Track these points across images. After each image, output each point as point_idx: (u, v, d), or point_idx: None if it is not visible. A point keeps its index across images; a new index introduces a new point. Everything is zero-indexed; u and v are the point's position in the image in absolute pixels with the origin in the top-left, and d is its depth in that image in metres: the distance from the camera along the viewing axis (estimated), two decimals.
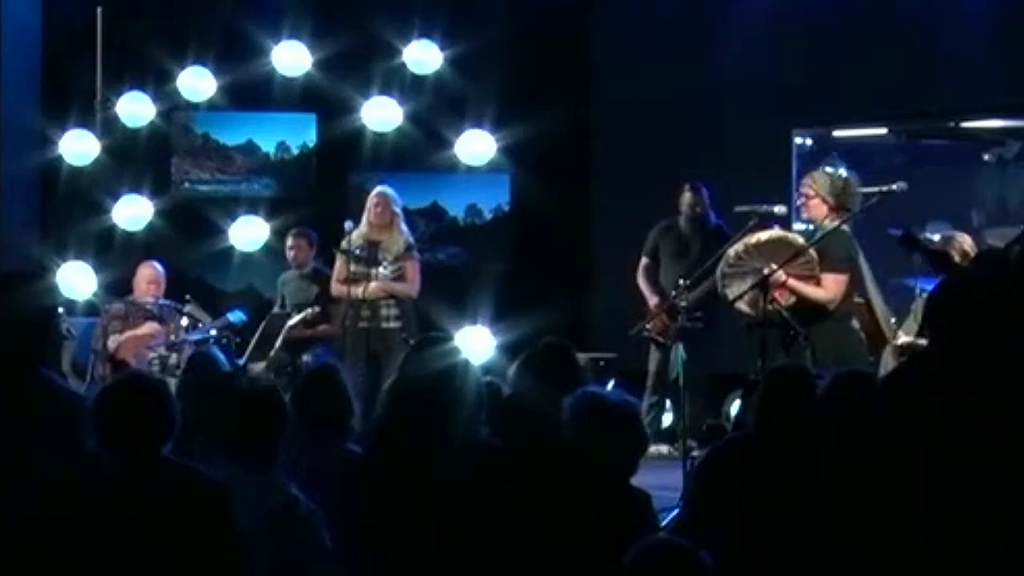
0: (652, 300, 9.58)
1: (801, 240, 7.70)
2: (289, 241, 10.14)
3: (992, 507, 3.99)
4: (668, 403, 9.60)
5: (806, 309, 7.54)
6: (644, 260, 9.74)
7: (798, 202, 7.98)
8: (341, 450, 5.15)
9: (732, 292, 7.62)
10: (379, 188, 9.67)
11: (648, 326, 9.44)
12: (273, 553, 4.37)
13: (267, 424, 4.55)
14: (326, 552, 4.50)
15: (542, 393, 4.69)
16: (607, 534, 4.00)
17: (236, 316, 9.60)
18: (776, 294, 7.49)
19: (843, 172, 7.85)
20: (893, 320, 8.08)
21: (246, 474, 4.44)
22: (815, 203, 7.77)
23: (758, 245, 7.61)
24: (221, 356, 6.62)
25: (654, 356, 9.57)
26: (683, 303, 8.93)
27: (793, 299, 7.55)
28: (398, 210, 9.59)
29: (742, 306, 7.60)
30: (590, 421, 4.54)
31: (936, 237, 8.14)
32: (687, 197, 9.67)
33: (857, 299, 7.95)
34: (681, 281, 9.24)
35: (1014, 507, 3.99)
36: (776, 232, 7.76)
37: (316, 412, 5.27)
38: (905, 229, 7.04)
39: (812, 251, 7.54)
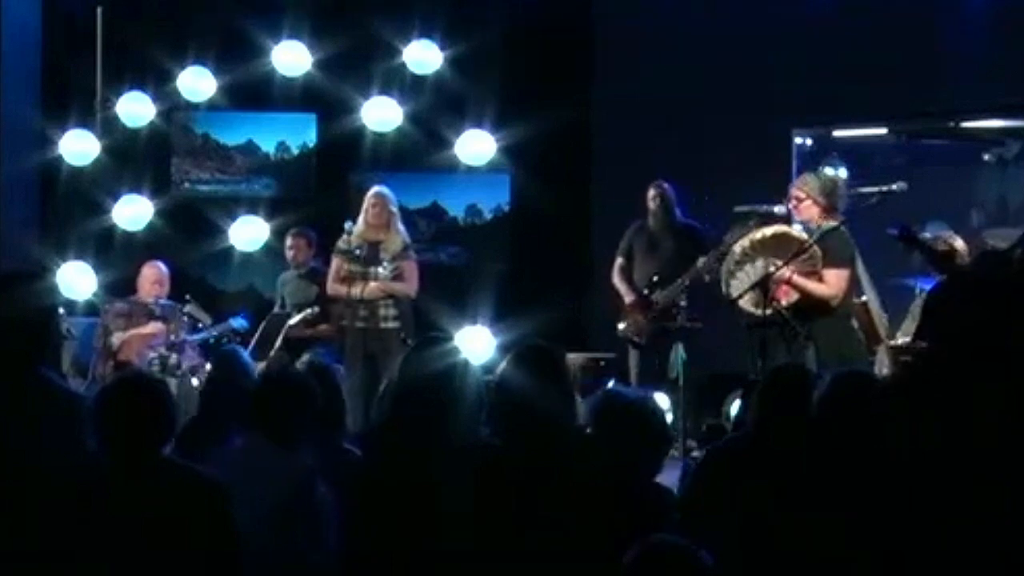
0: (628, 298, 9.60)
1: (806, 236, 7.70)
2: (288, 241, 10.15)
3: (993, 506, 3.98)
4: (667, 402, 9.58)
5: (808, 307, 7.55)
6: (619, 260, 9.76)
7: (789, 205, 7.97)
8: (336, 449, 5.16)
9: (735, 289, 7.62)
10: (376, 188, 9.67)
11: (621, 326, 9.48)
12: (288, 522, 4.47)
13: (292, 400, 4.85)
14: (327, 542, 4.58)
15: (530, 389, 4.68)
16: (633, 532, 3.98)
17: (239, 322, 9.63)
18: (779, 292, 7.50)
19: (837, 172, 7.86)
20: (885, 320, 8.10)
21: (271, 446, 4.68)
22: (806, 205, 7.80)
23: (763, 241, 7.62)
24: (244, 352, 6.69)
25: (633, 355, 9.58)
26: (683, 302, 8.95)
27: (796, 296, 7.55)
28: (395, 210, 9.59)
29: (746, 305, 7.60)
30: (613, 420, 4.54)
31: (929, 236, 8.14)
32: (649, 193, 9.69)
33: (855, 299, 7.97)
34: (656, 279, 9.30)
35: (1015, 506, 3.99)
36: (780, 228, 7.78)
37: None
38: (903, 226, 7.05)
39: (816, 247, 7.54)
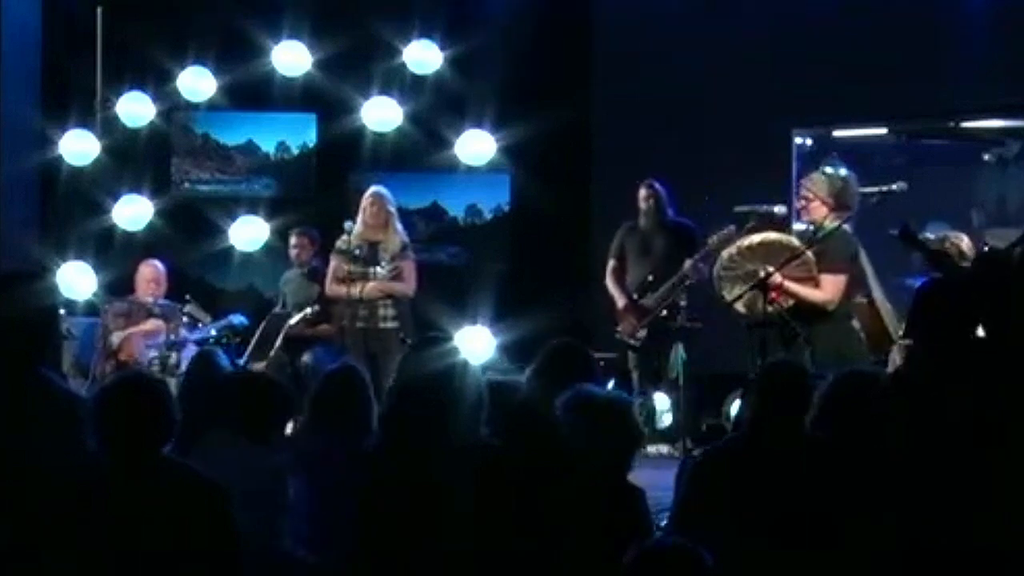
0: (620, 302, 9.59)
1: (796, 242, 7.68)
2: (293, 240, 10.16)
3: (989, 503, 3.99)
4: (667, 402, 9.59)
5: (804, 310, 7.54)
6: (611, 262, 9.75)
7: (798, 205, 7.97)
8: (361, 450, 5.16)
9: (728, 294, 7.62)
10: (373, 188, 9.67)
11: (619, 329, 9.48)
12: (263, 518, 4.54)
13: (264, 399, 5.09)
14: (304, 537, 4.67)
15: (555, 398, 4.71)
16: (604, 530, 4.00)
17: (238, 319, 9.62)
18: (773, 295, 7.49)
19: (843, 172, 7.84)
20: (896, 318, 8.08)
21: (244, 443, 4.82)
22: (815, 205, 7.78)
23: (751, 248, 7.61)
24: (222, 354, 6.69)
25: (631, 358, 9.58)
26: (682, 302, 8.95)
27: (792, 301, 7.55)
28: (393, 210, 9.60)
29: (739, 307, 7.60)
30: (583, 419, 4.55)
31: (932, 237, 8.14)
32: (640, 193, 9.69)
33: (860, 299, 7.94)
34: (650, 279, 9.30)
35: (1011, 502, 3.99)
36: (770, 235, 7.76)
37: (337, 413, 5.33)
38: (904, 225, 7.03)
39: (809, 253, 7.52)
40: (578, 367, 5.13)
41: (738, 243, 7.70)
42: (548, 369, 5.17)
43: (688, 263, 8.99)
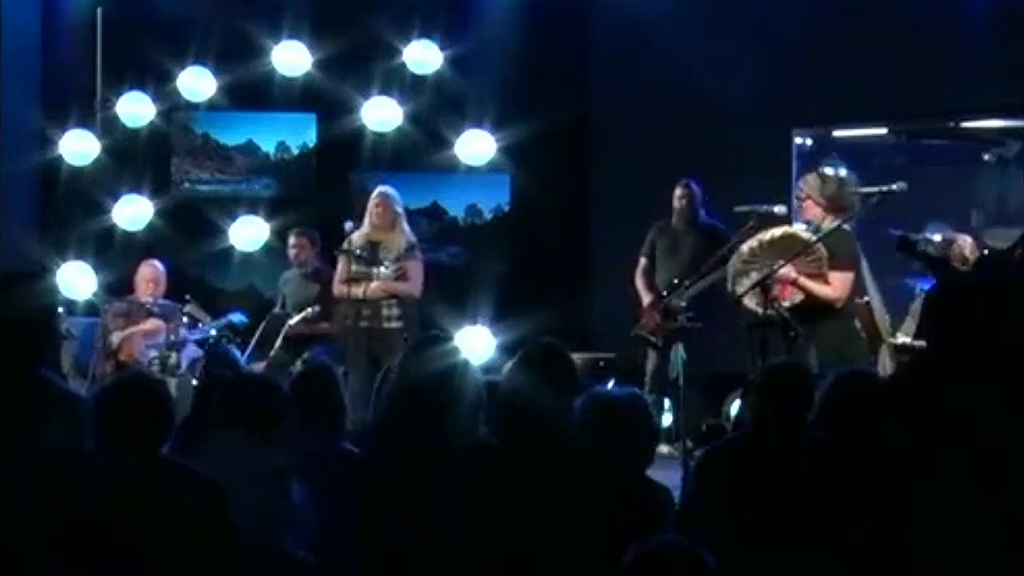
0: (647, 298, 9.60)
1: (812, 237, 7.70)
2: (292, 240, 10.15)
3: (991, 504, 3.99)
4: (667, 403, 9.59)
5: (811, 308, 7.54)
6: (642, 261, 9.78)
7: (796, 204, 8.00)
8: (335, 448, 5.15)
9: (742, 288, 7.61)
10: (381, 189, 9.67)
11: (640, 325, 9.48)
12: (266, 519, 4.53)
13: (265, 399, 4.85)
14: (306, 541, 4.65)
15: (537, 391, 4.69)
16: (622, 529, 3.98)
17: (238, 317, 9.62)
18: (784, 292, 7.50)
19: (840, 172, 7.85)
20: (887, 319, 8.10)
21: (255, 442, 4.66)
22: (808, 205, 7.82)
23: (772, 242, 7.62)
24: (237, 353, 6.70)
25: (651, 356, 9.59)
26: (683, 302, 8.94)
27: (800, 297, 7.55)
28: (400, 210, 9.60)
29: (749, 303, 7.59)
30: (600, 420, 4.54)
31: (937, 238, 8.15)
32: (676, 192, 9.71)
33: (857, 299, 7.96)
34: (676, 280, 9.28)
35: (1013, 504, 3.99)
36: (788, 229, 7.78)
37: (310, 410, 5.31)
38: (903, 234, 7.04)
39: (823, 248, 7.54)
40: (554, 365, 5.08)
41: (759, 237, 7.70)
42: (527, 366, 5.13)
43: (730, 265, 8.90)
